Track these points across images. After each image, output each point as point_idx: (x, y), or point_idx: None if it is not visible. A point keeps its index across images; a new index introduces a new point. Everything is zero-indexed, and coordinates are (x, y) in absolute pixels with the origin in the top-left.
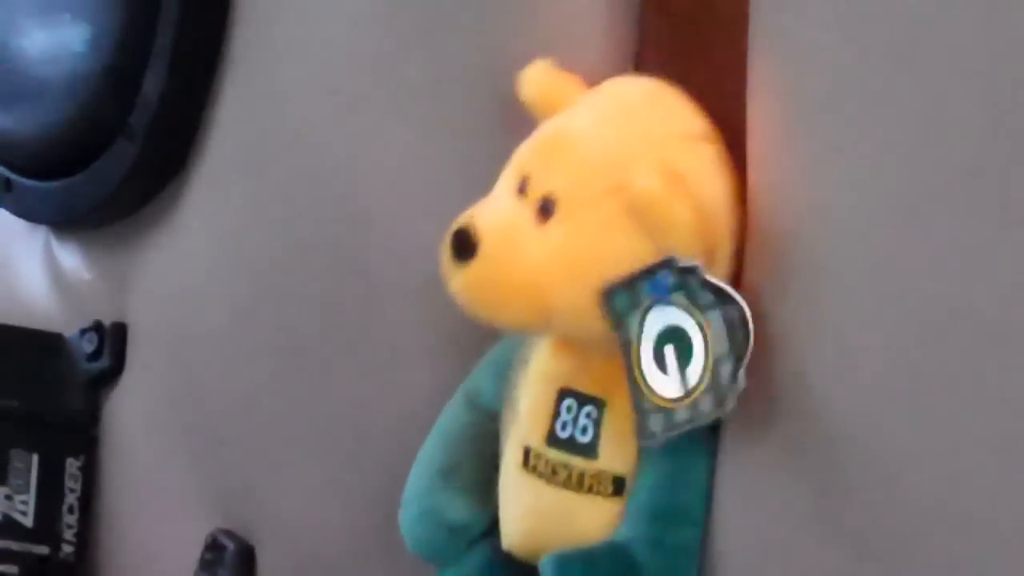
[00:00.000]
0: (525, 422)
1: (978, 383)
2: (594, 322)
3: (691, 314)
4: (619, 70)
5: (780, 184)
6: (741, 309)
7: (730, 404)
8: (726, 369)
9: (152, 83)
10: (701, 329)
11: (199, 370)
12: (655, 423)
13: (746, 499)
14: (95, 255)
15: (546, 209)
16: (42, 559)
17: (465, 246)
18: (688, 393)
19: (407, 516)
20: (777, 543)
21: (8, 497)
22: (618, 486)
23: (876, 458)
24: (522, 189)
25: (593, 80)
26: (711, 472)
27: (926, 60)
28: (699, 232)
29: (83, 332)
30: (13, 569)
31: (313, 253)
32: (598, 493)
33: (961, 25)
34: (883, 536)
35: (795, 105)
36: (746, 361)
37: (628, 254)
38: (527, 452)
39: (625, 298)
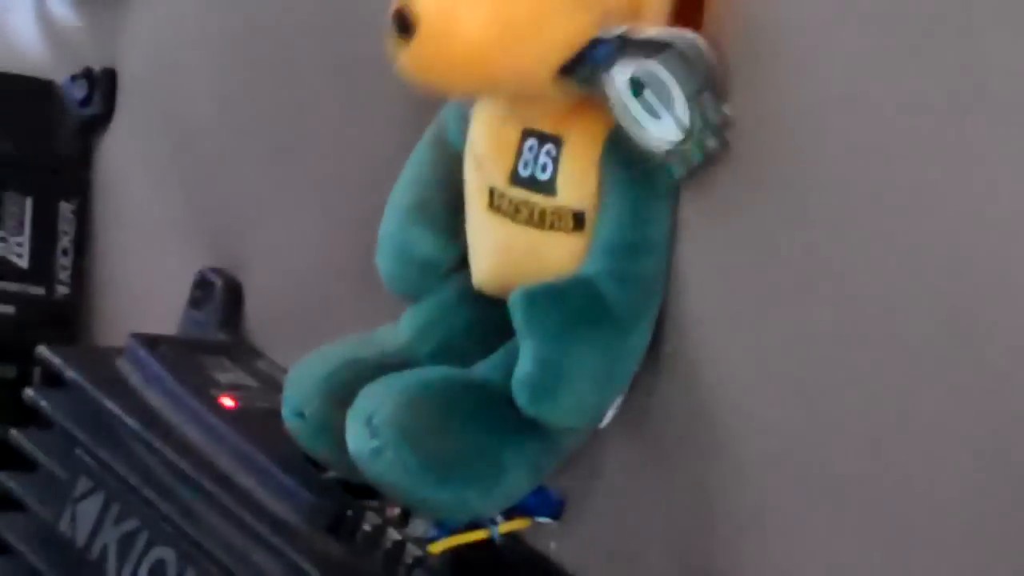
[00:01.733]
0: (488, 163)
1: None
2: (540, 83)
3: (651, 60)
4: None
5: None
6: (692, 43)
7: (728, 125)
8: (708, 101)
9: None
10: (666, 69)
11: (187, 115)
12: (678, 167)
13: (705, 231)
14: (85, 4)
15: None
16: (38, 299)
17: (405, 24)
18: (688, 132)
19: (381, 252)
20: (731, 274)
21: (3, 239)
22: (578, 222)
23: (831, 183)
24: None
25: None
26: (673, 202)
27: None
28: None
29: (73, 78)
30: (10, 309)
31: (296, 6)
32: (559, 229)
33: None
34: (836, 266)
35: None
36: (717, 88)
37: (559, 15)
38: (492, 192)
39: (583, 69)
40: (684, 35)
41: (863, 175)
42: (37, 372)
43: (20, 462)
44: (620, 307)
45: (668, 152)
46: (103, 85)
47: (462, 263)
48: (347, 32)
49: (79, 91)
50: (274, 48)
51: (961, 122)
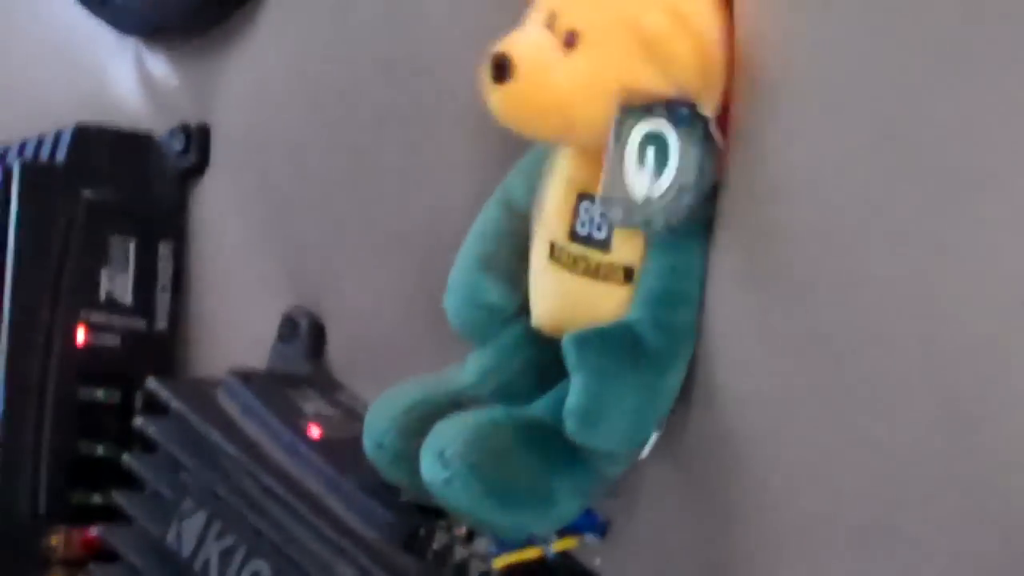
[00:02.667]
0: (551, 221)
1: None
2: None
3: (677, 131)
4: None
5: (761, 32)
6: (711, 128)
7: (677, 214)
8: (689, 179)
9: None
10: (680, 142)
11: (275, 167)
12: (615, 208)
13: (733, 286)
14: (181, 63)
15: (571, 41)
16: (140, 332)
17: (502, 68)
18: (660, 198)
19: (451, 299)
20: (756, 325)
21: (110, 277)
22: (628, 275)
23: (842, 254)
24: (550, 24)
25: None
26: (705, 262)
27: None
28: (697, 64)
29: (171, 132)
30: (116, 340)
31: (377, 65)
32: (611, 280)
33: None
34: (849, 321)
35: None
36: (705, 188)
37: (639, 80)
38: (552, 246)
39: (634, 116)
40: (715, 134)
41: (865, 258)
42: (139, 397)
43: (130, 481)
44: (658, 350)
45: (622, 193)
46: (198, 139)
47: (522, 309)
48: (425, 97)
49: (177, 144)
50: (355, 107)
51: (962, 212)
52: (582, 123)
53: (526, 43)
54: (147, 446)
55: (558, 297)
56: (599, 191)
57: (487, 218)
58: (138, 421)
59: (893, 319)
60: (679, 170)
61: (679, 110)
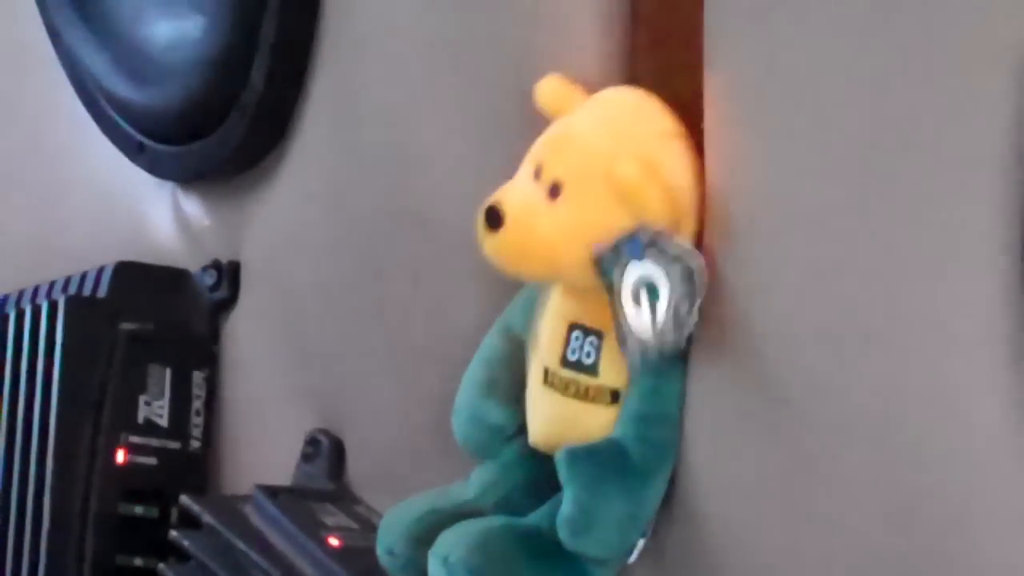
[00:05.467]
0: (544, 348)
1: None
2: (592, 275)
3: (659, 265)
4: (613, 82)
5: (730, 172)
6: (698, 263)
7: (686, 332)
8: (684, 307)
9: (259, 68)
10: (667, 277)
11: (299, 300)
12: (633, 347)
13: (708, 408)
14: (214, 205)
15: (555, 191)
16: (175, 452)
17: (494, 219)
18: (654, 328)
19: (458, 420)
20: (729, 440)
21: (148, 403)
22: (614, 397)
23: (804, 378)
24: (537, 174)
25: (592, 88)
26: (683, 382)
27: (855, 71)
28: (667, 210)
29: (204, 269)
30: (152, 460)
31: (389, 210)
32: (599, 402)
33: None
34: (810, 437)
35: (741, 111)
36: (699, 302)
37: (615, 225)
38: (546, 371)
39: (611, 257)
40: (694, 256)
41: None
42: (175, 512)
43: None
44: (642, 463)
45: (632, 332)
46: (229, 274)
47: (521, 428)
48: (437, 236)
49: (209, 279)
50: (374, 246)
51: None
52: (566, 267)
53: (515, 194)
54: (182, 557)
55: (551, 418)
56: (616, 340)
57: (489, 345)
58: (173, 534)
59: (855, 427)
60: (671, 300)
61: (659, 244)
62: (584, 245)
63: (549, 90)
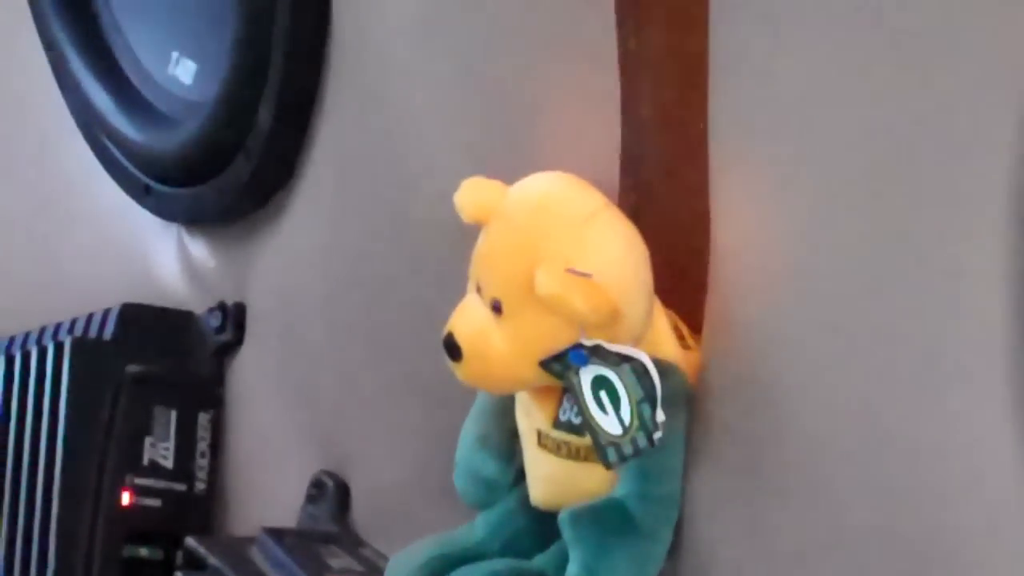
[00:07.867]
0: (535, 411)
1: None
2: (552, 379)
3: (608, 367)
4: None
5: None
6: (642, 363)
7: (657, 436)
8: (646, 410)
9: (264, 113)
10: (620, 379)
11: (304, 342)
12: (612, 454)
13: (709, 466)
14: (219, 248)
15: (497, 308)
16: (181, 494)
17: (453, 351)
18: (626, 430)
19: (456, 473)
20: (729, 499)
21: (153, 445)
22: None
23: (791, 446)
24: (479, 291)
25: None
26: (684, 440)
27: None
28: (597, 304)
29: (210, 311)
30: (157, 502)
31: (394, 252)
32: (593, 461)
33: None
34: (797, 486)
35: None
36: (659, 402)
37: (557, 335)
38: (539, 433)
39: (558, 365)
40: (640, 355)
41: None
42: (180, 554)
43: None
44: (645, 520)
45: (608, 441)
46: (234, 316)
47: (519, 477)
48: (437, 282)
49: (214, 321)
50: (376, 290)
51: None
52: (526, 381)
53: (466, 319)
54: None
55: (549, 479)
56: (593, 450)
57: (485, 398)
58: None
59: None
60: (632, 399)
61: (600, 350)
62: (535, 360)
63: (468, 200)
